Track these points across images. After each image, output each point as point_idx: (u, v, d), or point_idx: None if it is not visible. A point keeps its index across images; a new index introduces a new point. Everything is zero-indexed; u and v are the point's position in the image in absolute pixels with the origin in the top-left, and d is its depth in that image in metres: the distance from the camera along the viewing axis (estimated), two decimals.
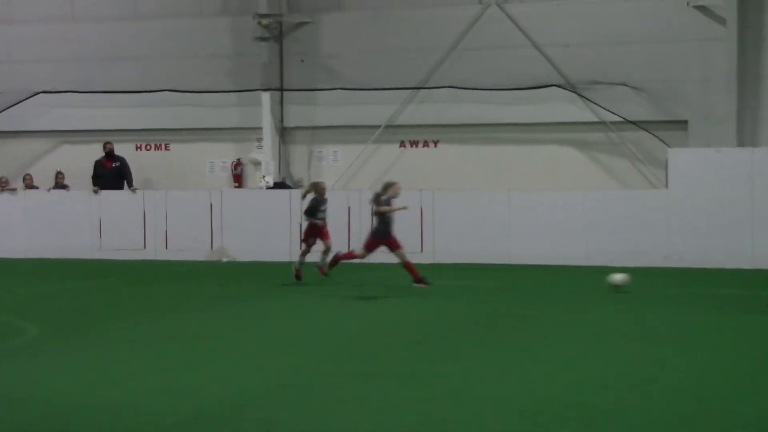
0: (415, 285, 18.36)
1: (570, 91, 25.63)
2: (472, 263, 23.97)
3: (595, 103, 25.44)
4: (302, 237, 20.60)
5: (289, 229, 25.49)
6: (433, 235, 24.78)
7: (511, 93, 25.90)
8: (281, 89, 27.79)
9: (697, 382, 10.20)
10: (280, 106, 27.83)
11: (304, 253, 20.21)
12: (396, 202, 18.95)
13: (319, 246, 20.17)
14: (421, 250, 24.46)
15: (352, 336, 13.63)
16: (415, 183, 25.73)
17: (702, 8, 24.80)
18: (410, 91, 26.77)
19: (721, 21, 24.54)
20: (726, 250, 22.87)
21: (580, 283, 19.71)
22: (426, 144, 27.15)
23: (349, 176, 27.44)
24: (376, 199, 18.76)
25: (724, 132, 24.31)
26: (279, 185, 27.05)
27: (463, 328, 14.43)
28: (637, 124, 25.24)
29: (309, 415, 8.85)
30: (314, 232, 19.93)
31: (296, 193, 26.24)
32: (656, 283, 19.88)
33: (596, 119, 25.55)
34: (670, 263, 22.95)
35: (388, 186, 19.05)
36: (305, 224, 20.47)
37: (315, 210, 19.87)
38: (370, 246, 18.76)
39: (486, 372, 10.73)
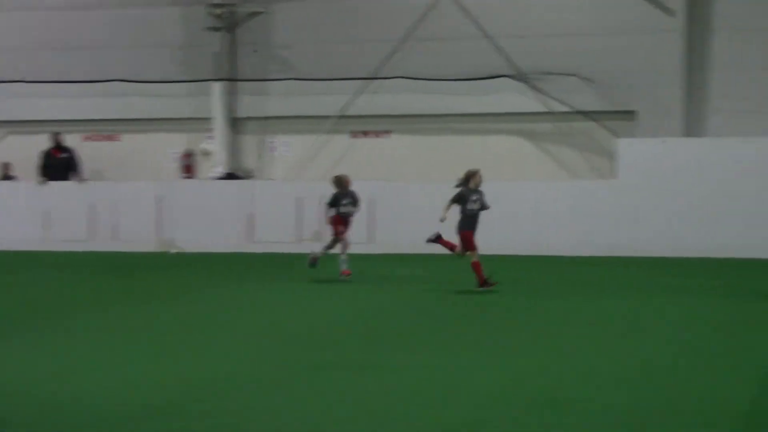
0: (479, 288, 16.78)
1: (521, 81, 25.75)
2: (423, 254, 24.01)
3: (545, 94, 25.58)
4: (333, 231, 18.95)
5: (240, 220, 25.47)
6: (383, 225, 24.83)
7: (462, 83, 25.98)
8: (233, 79, 27.70)
9: (643, 371, 10.31)
10: (231, 97, 27.73)
11: (329, 247, 19.08)
12: (479, 194, 17.41)
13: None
14: (371, 240, 24.52)
15: (305, 327, 13.64)
16: (367, 174, 25.78)
17: (652, 0, 24.99)
18: (362, 81, 26.77)
19: (671, 13, 24.76)
20: (673, 239, 23.14)
21: (529, 272, 19.84)
22: (378, 134, 27.18)
23: (300, 167, 27.41)
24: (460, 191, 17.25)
25: (671, 122, 24.56)
26: (230, 176, 26.98)
27: (415, 319, 14.48)
28: (587, 115, 25.42)
29: (258, 408, 8.85)
30: (341, 222, 18.85)
31: (247, 184, 26.26)
32: (604, 273, 20.07)
33: (546, 110, 25.70)
34: (617, 252, 23.15)
35: (470, 175, 17.51)
36: (328, 218, 19.12)
37: (337, 203, 18.83)
38: (466, 243, 17.00)
39: (439, 363, 10.77)
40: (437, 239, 17.60)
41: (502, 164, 25.87)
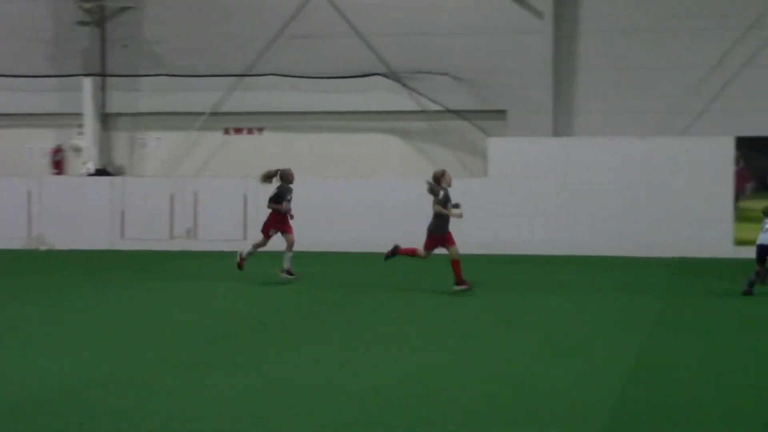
0: (456, 288, 16.42)
1: (393, 80, 25.97)
2: (297, 251, 24.06)
3: (418, 93, 25.86)
4: (263, 227, 18.07)
5: (111, 217, 25.17)
6: (258, 222, 24.74)
7: (335, 81, 26.09)
8: (103, 74, 27.30)
9: (517, 366, 10.53)
10: (102, 92, 27.34)
11: (259, 245, 18.07)
12: (450, 192, 17.11)
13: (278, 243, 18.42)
14: (246, 237, 24.45)
15: (183, 324, 13.54)
16: (239, 170, 25.73)
17: (520, 1, 25.47)
18: (235, 78, 26.67)
19: (539, 15, 25.26)
20: (542, 236, 23.64)
21: (404, 269, 20.01)
22: (251, 131, 27.11)
23: (172, 164, 27.18)
24: (433, 192, 16.87)
25: (540, 122, 25.06)
26: (100, 172, 26.60)
27: (292, 315, 14.53)
28: (458, 114, 25.76)
29: (134, 405, 8.78)
30: (277, 223, 17.90)
31: (118, 180, 25.92)
32: (477, 270, 20.35)
33: (418, 108, 25.98)
34: (489, 250, 23.54)
35: (440, 176, 17.00)
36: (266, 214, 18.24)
37: (281, 198, 17.87)
38: (429, 245, 16.85)
39: (317, 359, 10.81)
40: (395, 252, 17.11)
41: (374, 162, 26.11)
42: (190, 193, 25.17)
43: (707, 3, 24.65)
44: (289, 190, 18.01)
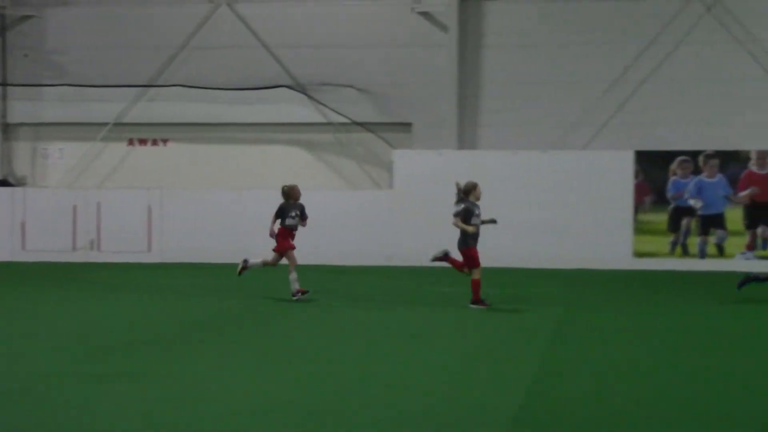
0: (472, 306, 16.09)
1: (299, 92, 26.00)
2: (202, 262, 24.01)
3: (324, 105, 25.92)
4: (278, 246, 17.15)
5: (12, 228, 24.78)
6: (162, 234, 24.63)
7: (241, 93, 26.04)
8: (4, 84, 26.88)
9: (422, 377, 10.61)
10: (2, 101, 26.92)
11: (268, 263, 17.39)
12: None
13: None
14: (149, 249, 24.30)
15: (84, 336, 13.35)
16: (144, 181, 25.54)
17: (426, 14, 25.72)
18: (140, 88, 26.45)
19: (444, 27, 25.52)
20: (446, 248, 23.79)
21: (307, 281, 20.00)
22: (155, 142, 26.91)
23: (75, 174, 26.83)
24: (461, 206, 16.31)
25: (445, 135, 25.31)
26: (1, 183, 26.17)
27: (194, 327, 14.41)
28: (364, 126, 25.89)
29: (27, 419, 8.66)
30: (288, 236, 17.22)
31: (19, 191, 25.53)
32: (382, 282, 20.44)
33: (324, 120, 26.04)
34: (393, 262, 23.68)
35: (470, 189, 16.48)
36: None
37: (284, 215, 17.22)
38: (475, 259, 16.18)
39: (217, 372, 10.77)
40: (445, 257, 16.68)
41: (281, 174, 26.05)
42: (93, 204, 24.88)
43: (608, 19, 25.16)
44: (294, 207, 17.35)
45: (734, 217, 23.68)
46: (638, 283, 20.87)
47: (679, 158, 23.92)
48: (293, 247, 17.17)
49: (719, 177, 23.78)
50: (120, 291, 18.43)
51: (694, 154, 23.89)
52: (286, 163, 26.22)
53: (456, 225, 16.23)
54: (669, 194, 23.91)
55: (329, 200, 24.30)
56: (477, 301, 16.15)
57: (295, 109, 26.10)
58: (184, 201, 24.89)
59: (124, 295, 17.98)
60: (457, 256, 16.49)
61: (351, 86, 25.87)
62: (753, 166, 23.68)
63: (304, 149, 26.42)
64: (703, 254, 23.72)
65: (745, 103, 24.59)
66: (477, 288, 16.14)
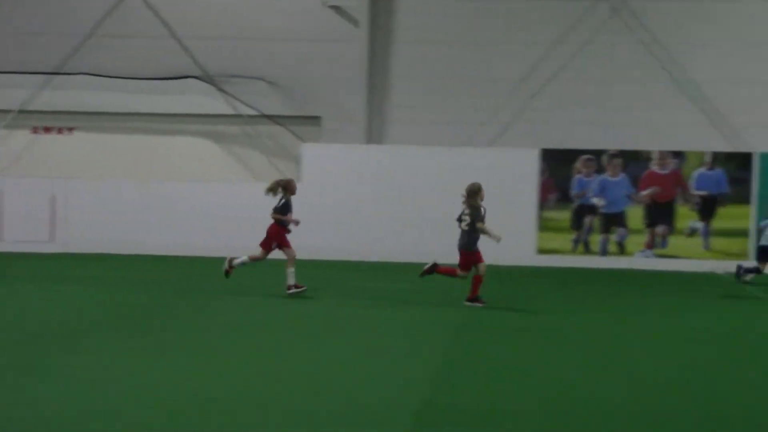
0: (468, 303, 16.08)
1: (208, 83, 25.85)
2: (105, 253, 23.77)
3: (233, 97, 25.80)
4: (264, 241, 17.00)
5: None
6: (66, 224, 24.33)
7: (149, 83, 25.80)
8: None
9: (326, 371, 10.65)
10: None
11: (256, 259, 17.11)
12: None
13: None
14: (52, 239, 23.98)
15: None
16: (48, 170, 25.19)
17: (337, 8, 25.74)
18: (45, 76, 26.05)
19: (354, 22, 25.58)
20: (354, 243, 23.92)
21: (212, 274, 19.90)
22: (61, 131, 26.52)
23: None
24: (474, 209, 16.19)
25: (354, 129, 25.37)
26: None
27: (93, 319, 14.27)
28: (273, 119, 25.83)
29: None
30: (278, 236, 17.01)
31: None
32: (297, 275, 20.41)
33: (233, 112, 25.92)
34: (307, 255, 23.65)
35: (477, 190, 16.36)
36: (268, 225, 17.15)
37: (287, 210, 17.03)
38: (467, 264, 16.20)
39: (118, 365, 10.69)
40: (434, 268, 16.53)
41: (188, 165, 25.92)
42: None
43: (517, 18, 25.44)
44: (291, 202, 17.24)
45: (635, 215, 24.16)
46: (542, 279, 21.18)
47: (584, 157, 24.31)
48: (288, 245, 17.01)
49: (622, 176, 24.22)
50: (22, 281, 18.15)
51: (598, 153, 24.30)
52: (194, 155, 26.05)
53: (482, 230, 16.05)
54: (573, 192, 24.30)
55: (237, 193, 24.22)
56: (474, 299, 16.14)
57: (203, 100, 25.94)
58: (89, 191, 24.60)
59: (26, 285, 17.72)
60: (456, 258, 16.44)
61: (261, 79, 25.79)
62: (654, 166, 24.17)
63: (212, 141, 26.28)
64: (604, 252, 24.15)
65: (649, 104, 25.07)
66: (478, 285, 16.10)
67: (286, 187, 17.15)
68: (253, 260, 17.13)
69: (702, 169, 24.08)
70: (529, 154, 24.26)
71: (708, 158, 24.08)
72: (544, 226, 24.19)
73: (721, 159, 24.07)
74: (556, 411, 9.07)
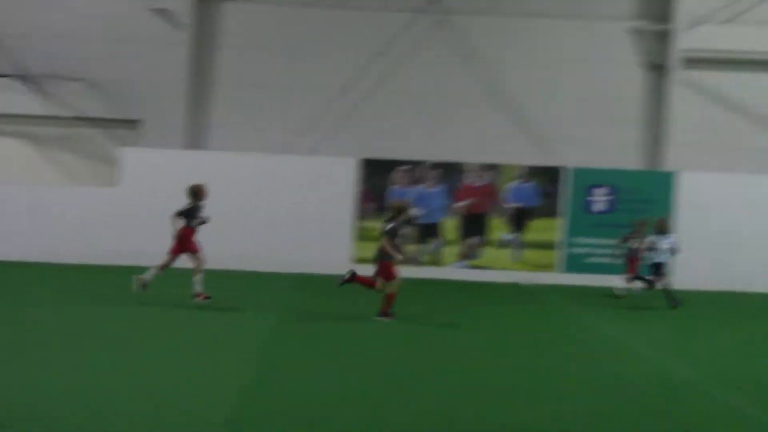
0: (378, 318, 16.22)
1: (24, 82, 25.28)
2: None
3: (50, 97, 25.30)
4: (172, 247, 17.16)
5: None
6: None
7: None
8: None
9: (123, 381, 10.62)
10: None
11: (164, 267, 17.18)
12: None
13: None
14: None
15: None
16: None
17: (162, 11, 25.51)
18: None
19: (178, 26, 25.40)
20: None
21: (24, 280, 19.54)
22: None
23: None
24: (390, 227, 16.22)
25: (174, 134, 25.19)
26: None
27: None
28: (92, 121, 25.44)
29: None
30: (185, 241, 17.15)
31: None
32: (104, 280, 20.17)
33: (51, 113, 25.42)
34: (115, 261, 23.40)
35: (404, 208, 16.50)
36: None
37: (192, 214, 17.19)
38: (387, 274, 16.28)
39: None
40: (353, 278, 16.53)
41: (3, 167, 25.32)
42: None
43: (341, 27, 25.69)
44: (200, 208, 17.28)
45: (450, 226, 24.69)
46: (355, 289, 21.44)
47: (402, 168, 24.72)
48: (196, 251, 17.05)
49: (439, 187, 24.71)
50: None
51: (416, 164, 24.74)
52: (7, 157, 25.44)
53: (387, 245, 16.11)
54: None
55: (54, 196, 23.80)
56: (386, 313, 16.24)
57: (19, 100, 25.34)
58: None
59: None
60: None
61: (81, 79, 25.36)
62: (470, 178, 24.74)
63: (28, 142, 25.71)
64: (419, 261, 24.60)
65: (467, 117, 25.65)
66: (390, 301, 16.22)
67: (197, 194, 17.23)
68: (163, 268, 17.11)
69: (516, 182, 24.77)
70: (346, 162, 24.53)
71: (522, 171, 24.79)
72: (361, 235, 24.50)
73: (534, 172, 24.81)
74: (356, 415, 9.28)
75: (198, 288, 16.99)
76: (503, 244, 24.62)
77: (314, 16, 25.70)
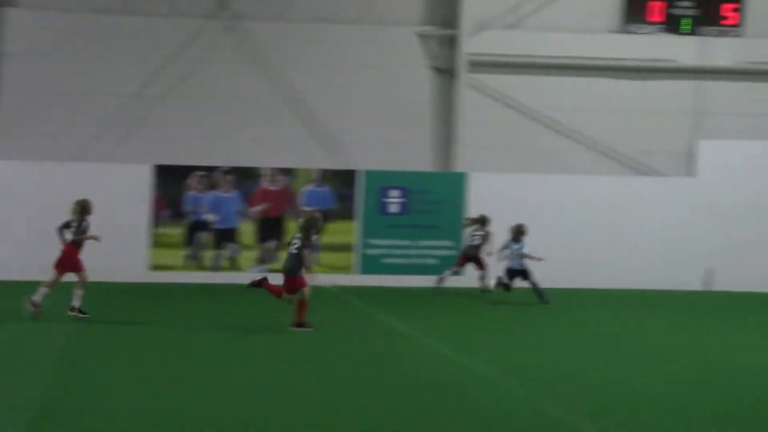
0: (293, 328, 16.08)
1: None
2: None
3: None
4: (62, 264, 16.86)
5: None
6: None
7: None
8: None
9: None
10: None
11: (52, 283, 16.82)
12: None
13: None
14: None
15: None
16: None
17: None
18: None
19: None
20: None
21: None
22: None
23: None
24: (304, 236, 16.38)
25: None
26: None
27: None
28: None
29: None
30: (74, 258, 16.81)
31: None
32: None
33: None
34: None
35: (313, 223, 16.76)
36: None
37: (79, 230, 16.87)
38: (292, 288, 16.19)
39: None
40: (263, 282, 16.44)
41: None
42: None
43: (130, 33, 25.30)
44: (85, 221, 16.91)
45: (247, 231, 24.68)
46: (155, 296, 21.24)
47: (196, 173, 24.57)
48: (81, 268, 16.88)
49: (234, 192, 24.68)
50: None
51: (210, 170, 24.64)
52: None
53: (308, 259, 16.18)
54: (186, 209, 24.49)
55: None
56: (301, 323, 16.13)
57: None
58: None
59: None
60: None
61: None
62: (265, 183, 24.81)
63: None
64: (217, 267, 24.51)
65: (261, 122, 25.70)
66: (303, 310, 16.11)
67: (85, 208, 17.00)
68: (50, 286, 16.78)
69: (311, 186, 24.97)
70: (140, 170, 24.22)
71: (317, 175, 25.01)
72: (157, 242, 24.23)
73: (328, 176, 25.07)
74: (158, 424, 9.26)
75: (77, 303, 16.70)
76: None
77: (103, 22, 25.21)
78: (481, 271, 22.70)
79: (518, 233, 21.42)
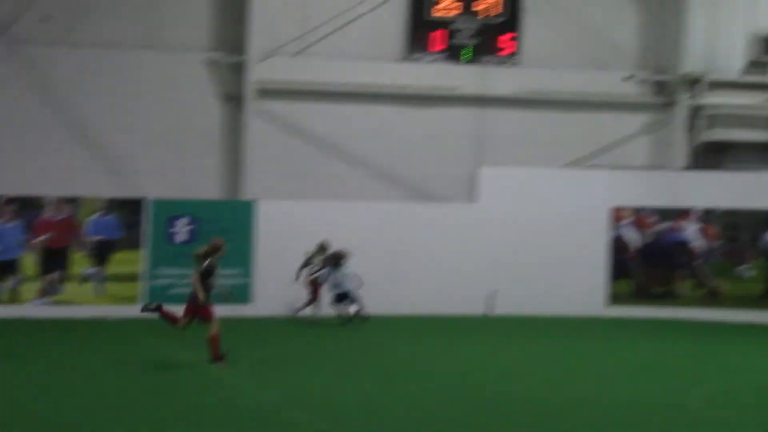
0: (213, 362, 15.86)
1: None
2: None
3: None
4: None
5: None
6: None
7: None
8: None
9: None
10: None
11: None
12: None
13: None
14: None
15: None
16: None
17: None
18: None
19: None
20: None
21: None
22: None
23: None
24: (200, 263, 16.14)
25: None
26: None
27: None
28: None
29: None
30: None
31: None
32: None
33: None
34: None
35: (215, 248, 16.31)
36: None
37: None
38: (191, 313, 16.04)
39: None
40: (158, 309, 16.31)
41: None
42: None
43: None
44: None
45: (29, 262, 24.01)
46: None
47: None
48: None
49: (16, 222, 24.01)
50: None
51: None
52: None
53: (195, 282, 16.06)
54: None
55: None
56: (217, 357, 15.87)
57: None
58: None
59: None
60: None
61: None
62: (49, 212, 24.23)
63: None
64: None
65: (44, 150, 25.17)
66: (216, 343, 15.89)
67: None
68: None
69: (96, 215, 24.52)
70: None
71: (102, 204, 24.58)
72: None
73: (115, 205, 24.65)
74: None
75: None
76: (85, 279, 24.26)
77: None
78: (314, 300, 23.45)
79: (338, 259, 22.52)
